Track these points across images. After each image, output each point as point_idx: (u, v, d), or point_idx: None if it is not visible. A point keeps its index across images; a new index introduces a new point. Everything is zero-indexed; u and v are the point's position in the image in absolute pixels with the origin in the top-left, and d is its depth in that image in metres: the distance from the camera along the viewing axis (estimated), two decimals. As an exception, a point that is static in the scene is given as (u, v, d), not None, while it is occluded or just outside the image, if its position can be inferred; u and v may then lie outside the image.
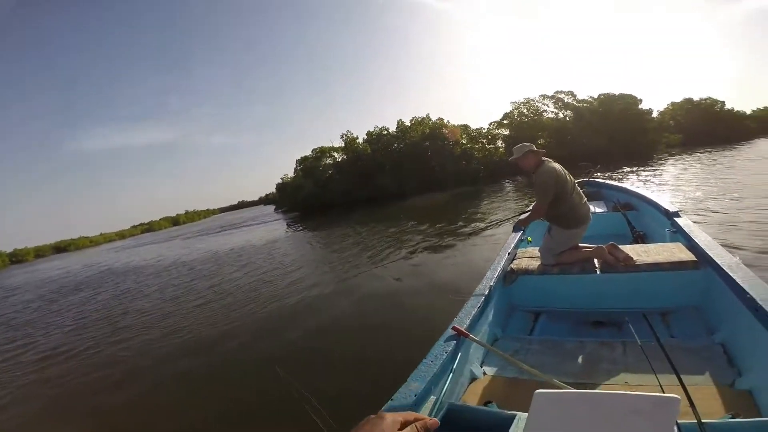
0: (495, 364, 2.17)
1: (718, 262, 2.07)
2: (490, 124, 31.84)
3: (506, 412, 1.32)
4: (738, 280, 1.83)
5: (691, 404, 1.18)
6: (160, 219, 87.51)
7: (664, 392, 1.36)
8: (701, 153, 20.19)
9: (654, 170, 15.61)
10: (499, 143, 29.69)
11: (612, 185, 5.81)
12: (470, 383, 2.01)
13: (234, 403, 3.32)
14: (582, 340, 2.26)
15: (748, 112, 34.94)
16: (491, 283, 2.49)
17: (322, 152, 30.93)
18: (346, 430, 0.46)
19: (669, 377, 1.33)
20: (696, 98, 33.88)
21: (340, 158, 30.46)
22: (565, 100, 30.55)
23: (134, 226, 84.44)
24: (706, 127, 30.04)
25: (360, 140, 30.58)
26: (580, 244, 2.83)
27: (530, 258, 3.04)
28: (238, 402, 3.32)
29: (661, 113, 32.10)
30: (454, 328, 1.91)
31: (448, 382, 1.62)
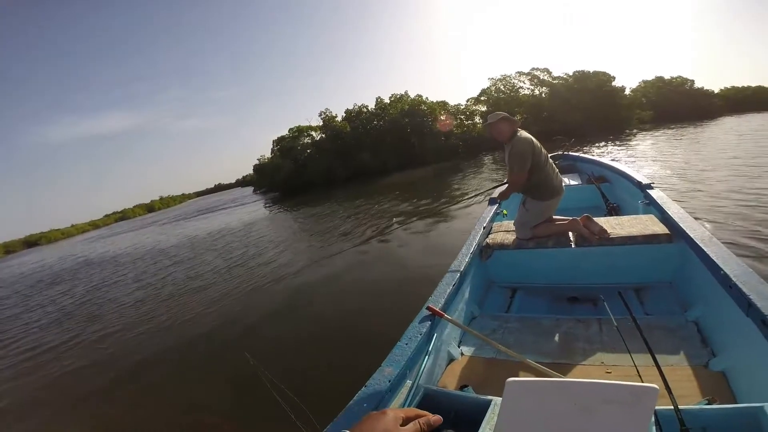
0: (473, 343, 2.12)
1: (691, 236, 2.05)
2: (468, 100, 31.82)
3: (482, 397, 1.28)
4: (712, 255, 1.78)
5: (668, 388, 1.17)
6: (134, 206, 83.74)
7: (639, 373, 1.34)
8: (670, 129, 20.86)
9: (626, 145, 16.06)
10: (477, 119, 29.77)
11: (586, 158, 5.88)
12: (448, 365, 1.96)
13: (202, 392, 3.24)
14: (558, 317, 2.25)
15: (716, 90, 36.26)
16: (467, 259, 2.43)
17: (299, 131, 30.10)
18: (317, 418, 0.39)
19: (644, 357, 1.32)
20: (667, 77, 34.72)
21: (318, 137, 29.76)
22: (541, 77, 30.73)
23: (107, 215, 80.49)
24: (676, 105, 30.93)
25: (339, 118, 29.91)
26: (555, 216, 2.81)
27: (506, 232, 3.00)
28: (206, 391, 3.23)
29: (633, 90, 32.74)
30: (428, 308, 1.83)
31: (424, 365, 1.56)
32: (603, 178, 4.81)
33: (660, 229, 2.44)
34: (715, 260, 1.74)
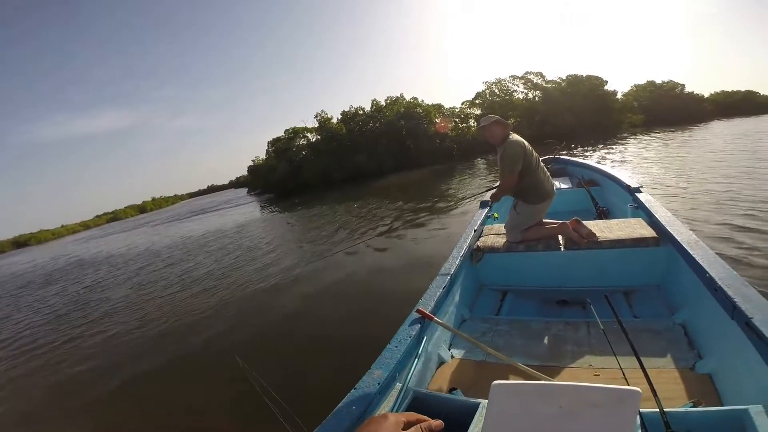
0: (463, 346, 2.12)
1: (678, 239, 2.07)
2: (463, 103, 32.02)
3: (471, 400, 1.29)
4: (698, 259, 1.79)
5: (653, 391, 1.18)
6: (126, 207, 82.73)
7: (626, 376, 1.35)
8: (661, 133, 21.14)
9: (617, 148, 16.23)
10: (472, 122, 29.96)
11: (577, 162, 5.92)
12: (438, 368, 1.96)
13: (191, 395, 3.22)
14: (548, 320, 2.26)
15: (706, 95, 36.86)
16: (457, 262, 2.43)
17: (295, 132, 30.00)
18: (306, 422, 0.39)
19: (631, 360, 1.32)
20: (658, 81, 35.27)
21: (314, 139, 29.71)
22: (535, 81, 31.03)
23: (98, 216, 79.36)
24: (667, 109, 31.38)
25: (334, 120, 29.89)
26: (545, 220, 2.84)
27: (496, 235, 3.02)
28: (195, 394, 3.21)
29: (625, 95, 33.21)
30: (418, 311, 1.83)
31: (413, 368, 1.56)
32: (593, 181, 4.86)
33: (648, 232, 2.46)
34: (701, 263, 1.75)
